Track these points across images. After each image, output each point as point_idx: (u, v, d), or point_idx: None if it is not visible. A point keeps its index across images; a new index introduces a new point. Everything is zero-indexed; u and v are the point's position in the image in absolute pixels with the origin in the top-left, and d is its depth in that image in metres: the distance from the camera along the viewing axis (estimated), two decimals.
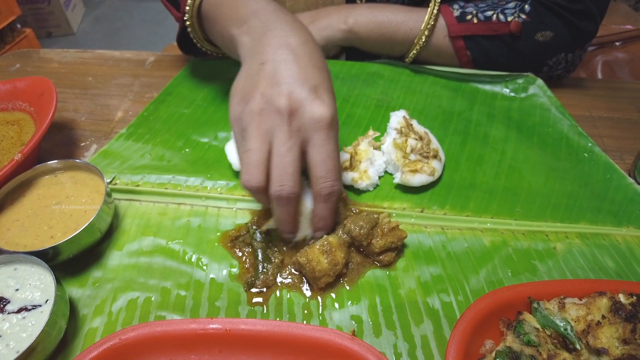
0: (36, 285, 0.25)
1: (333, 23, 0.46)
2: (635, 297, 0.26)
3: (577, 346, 0.24)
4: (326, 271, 0.26)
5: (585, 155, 0.38)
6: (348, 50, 0.50)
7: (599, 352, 0.24)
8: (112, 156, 0.36)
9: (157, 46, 2.24)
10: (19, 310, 0.24)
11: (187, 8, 0.37)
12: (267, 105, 0.26)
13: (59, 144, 0.39)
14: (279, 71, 0.27)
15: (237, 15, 0.32)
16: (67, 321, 0.25)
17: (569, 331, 0.25)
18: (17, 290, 0.25)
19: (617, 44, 0.78)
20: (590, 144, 0.39)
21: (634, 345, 0.24)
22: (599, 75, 0.75)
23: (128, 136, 0.38)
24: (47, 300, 0.25)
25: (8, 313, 0.24)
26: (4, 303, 0.24)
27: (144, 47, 2.06)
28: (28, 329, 0.23)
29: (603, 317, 0.25)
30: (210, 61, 0.48)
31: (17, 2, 1.97)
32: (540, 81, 0.45)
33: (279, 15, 0.31)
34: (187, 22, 0.38)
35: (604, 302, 0.26)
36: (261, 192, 0.26)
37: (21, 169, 0.31)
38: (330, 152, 0.26)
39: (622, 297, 0.26)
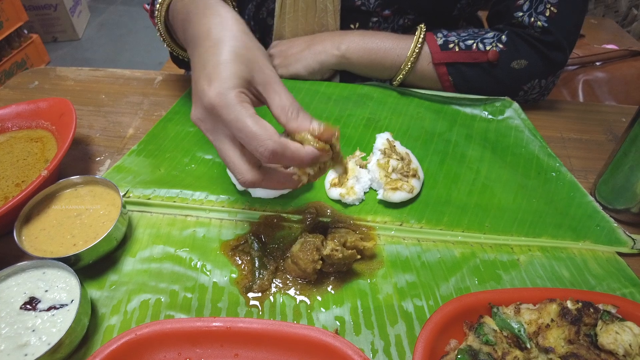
0: (63, 287, 0.29)
1: (327, 48, 0.51)
2: (580, 304, 0.30)
3: (528, 345, 0.28)
4: (308, 262, 0.31)
5: (553, 174, 0.42)
6: (341, 72, 0.54)
7: (546, 350, 0.28)
8: (125, 171, 0.40)
9: (160, 52, 2.29)
10: (49, 309, 0.28)
11: (156, 13, 0.41)
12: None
13: (76, 158, 0.43)
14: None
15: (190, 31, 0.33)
16: (89, 319, 0.29)
17: (522, 332, 0.29)
18: (46, 291, 0.29)
19: (597, 63, 0.82)
20: (557, 164, 0.43)
21: (577, 345, 0.28)
22: (580, 94, 0.79)
23: (139, 152, 0.42)
24: (73, 300, 0.29)
25: (40, 311, 0.28)
26: (36, 302, 0.28)
27: (147, 52, 2.11)
28: (57, 324, 0.27)
29: (552, 320, 0.29)
30: None
31: (25, 8, 2.02)
32: (516, 105, 0.49)
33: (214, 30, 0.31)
34: (157, 24, 0.42)
35: (553, 308, 0.30)
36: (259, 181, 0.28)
37: (47, 184, 0.35)
38: (236, 127, 0.27)
39: (569, 304, 0.30)
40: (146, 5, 0.53)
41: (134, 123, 0.48)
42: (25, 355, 0.26)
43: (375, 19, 0.51)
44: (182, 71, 0.71)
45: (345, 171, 0.32)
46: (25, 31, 2.02)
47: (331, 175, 0.40)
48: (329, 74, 0.53)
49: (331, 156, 0.29)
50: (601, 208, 0.40)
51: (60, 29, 2.28)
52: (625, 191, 0.38)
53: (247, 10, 0.59)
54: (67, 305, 0.28)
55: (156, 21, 0.42)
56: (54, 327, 0.27)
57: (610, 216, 0.39)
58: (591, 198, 0.40)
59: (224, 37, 0.29)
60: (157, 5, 0.40)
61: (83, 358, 0.28)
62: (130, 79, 0.55)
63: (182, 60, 0.50)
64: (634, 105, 0.60)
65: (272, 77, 0.29)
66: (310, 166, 0.29)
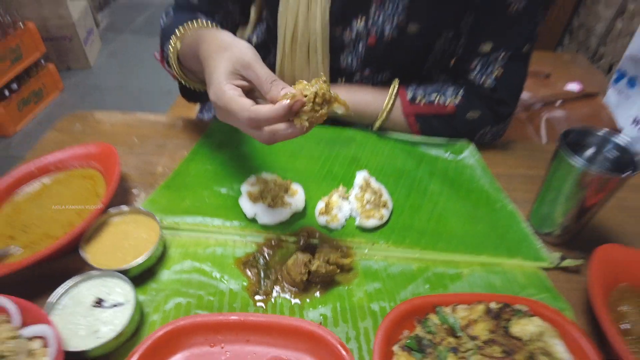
0: (120, 291, 0.40)
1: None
2: (501, 304, 0.40)
3: (459, 334, 0.39)
4: (297, 274, 0.41)
5: (498, 205, 0.53)
6: (331, 118, 0.65)
7: (473, 338, 0.38)
8: (157, 203, 0.51)
9: (167, 80, 2.43)
10: (112, 307, 0.39)
11: (174, 66, 0.53)
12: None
13: (118, 192, 0.54)
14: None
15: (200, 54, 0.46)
16: (139, 315, 0.40)
17: (456, 325, 0.39)
18: (108, 294, 0.40)
19: (558, 103, 0.94)
20: (503, 196, 0.54)
21: (496, 334, 0.38)
22: (543, 130, 0.91)
23: (167, 188, 0.53)
24: (128, 301, 0.39)
25: (105, 308, 0.39)
26: (102, 302, 0.39)
27: (155, 81, 2.24)
28: (118, 318, 0.38)
29: (479, 317, 0.40)
30: (224, 125, 0.64)
31: (42, 39, 2.16)
32: (472, 146, 0.60)
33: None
34: (172, 60, 0.53)
35: (481, 308, 0.40)
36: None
37: (101, 213, 0.46)
38: (227, 111, 0.38)
39: (493, 304, 0.40)
40: (156, 54, 0.65)
41: (161, 162, 0.59)
42: (98, 338, 0.36)
43: (358, 76, 0.63)
44: (194, 114, 0.83)
45: (346, 108, 0.41)
46: (42, 61, 2.15)
47: (320, 205, 0.50)
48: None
49: (327, 100, 0.38)
50: (533, 232, 0.50)
51: (73, 57, 2.42)
52: (548, 218, 0.49)
53: None
54: (124, 304, 0.39)
55: (170, 63, 0.54)
56: (117, 319, 0.38)
57: (540, 238, 0.50)
58: (526, 224, 0.51)
59: (220, 57, 0.41)
60: (171, 51, 0.52)
61: (137, 343, 0.38)
62: (155, 123, 0.66)
63: (191, 94, 0.61)
64: None
65: (251, 61, 0.40)
66: (297, 115, 0.38)
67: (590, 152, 0.47)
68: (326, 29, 0.57)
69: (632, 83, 0.93)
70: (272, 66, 0.66)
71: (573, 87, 1.07)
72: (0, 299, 0.36)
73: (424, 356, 0.36)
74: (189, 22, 0.52)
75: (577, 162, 0.42)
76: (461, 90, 0.59)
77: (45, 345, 0.34)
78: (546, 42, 1.64)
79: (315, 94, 0.37)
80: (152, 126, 0.66)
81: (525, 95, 0.96)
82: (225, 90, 0.39)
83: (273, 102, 0.38)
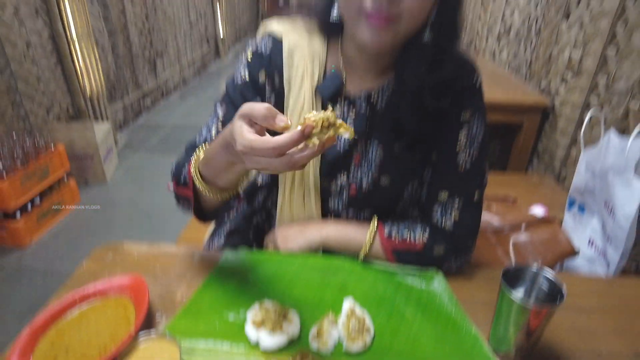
0: None
1: (314, 234, 0.75)
2: None
3: None
4: None
5: (463, 329, 0.63)
6: (324, 248, 0.78)
7: None
8: (176, 327, 0.61)
9: None
10: None
11: (195, 179, 0.64)
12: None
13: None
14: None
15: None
16: None
17: None
18: None
19: (523, 226, 1.08)
20: (466, 321, 0.64)
21: None
22: (511, 253, 1.03)
23: (185, 314, 0.64)
24: None
25: None
26: None
27: (166, 197, 2.43)
28: None
29: None
30: (234, 258, 0.76)
31: (68, 158, 2.39)
32: (440, 276, 0.72)
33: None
34: (198, 184, 0.64)
35: None
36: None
37: (131, 339, 0.56)
38: (257, 150, 0.48)
39: None
40: (169, 184, 0.78)
41: (180, 290, 0.70)
42: None
43: (344, 215, 0.78)
44: (205, 236, 0.96)
45: (351, 133, 0.49)
46: (65, 178, 2.36)
47: (313, 331, 0.60)
48: (315, 250, 0.77)
49: (334, 127, 0.47)
50: (492, 352, 0.60)
51: (92, 173, 2.64)
52: (504, 340, 0.58)
53: (256, 200, 0.86)
54: None
55: (193, 172, 0.64)
56: None
57: (498, 357, 0.59)
58: (486, 345, 0.61)
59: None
60: (194, 159, 0.65)
61: None
62: (176, 254, 0.79)
63: (204, 215, 0.73)
64: (547, 264, 0.83)
65: (253, 104, 0.49)
66: (309, 138, 0.47)
67: (527, 284, 0.59)
68: (317, 181, 0.73)
69: (582, 209, 1.07)
70: (274, 204, 0.81)
71: (537, 210, 1.22)
72: None
73: None
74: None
75: (516, 296, 0.54)
76: (427, 230, 0.72)
77: None
78: (517, 163, 1.85)
79: (322, 120, 0.47)
80: (174, 257, 0.78)
81: (495, 220, 1.10)
82: (246, 135, 0.49)
83: (282, 131, 0.48)
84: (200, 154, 0.65)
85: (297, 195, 0.76)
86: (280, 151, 0.47)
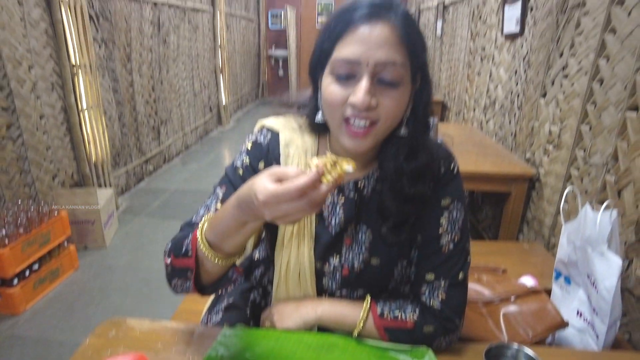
0: None
1: (309, 311, 0.79)
2: None
3: None
4: None
5: None
6: (319, 326, 0.81)
7: None
8: None
9: None
10: None
11: (201, 246, 0.66)
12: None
13: None
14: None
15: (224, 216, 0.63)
16: None
17: None
18: None
19: (512, 298, 1.11)
20: None
21: None
22: (502, 324, 1.06)
23: None
24: None
25: None
26: None
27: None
28: None
29: None
30: (232, 335, 0.79)
31: (70, 224, 2.43)
32: (431, 352, 0.75)
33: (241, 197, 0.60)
34: (204, 250, 0.66)
35: None
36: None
37: None
38: (281, 196, 0.53)
39: None
40: (167, 259, 0.72)
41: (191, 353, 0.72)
42: None
43: (338, 294, 0.82)
44: (203, 309, 0.98)
45: (353, 165, 0.57)
46: (66, 243, 2.39)
47: None
48: (310, 327, 0.81)
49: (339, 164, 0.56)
50: None
51: (92, 239, 2.67)
52: None
53: (253, 275, 0.90)
54: None
55: (198, 236, 0.66)
56: None
57: None
58: None
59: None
60: (202, 246, 0.66)
61: None
62: (177, 330, 0.82)
63: (203, 288, 0.74)
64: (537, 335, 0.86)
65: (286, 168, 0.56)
66: (323, 176, 0.54)
67: None
68: (312, 262, 0.78)
69: (568, 281, 1.11)
70: (271, 281, 0.85)
71: (526, 280, 1.26)
72: None
73: None
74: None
75: None
76: (417, 309, 0.76)
77: None
78: (508, 231, 1.90)
79: (327, 160, 0.56)
80: (174, 333, 0.81)
81: (485, 292, 1.14)
82: (269, 186, 0.53)
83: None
84: (205, 222, 0.68)
85: (292, 275, 0.80)
86: (303, 192, 0.52)
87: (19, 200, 2.24)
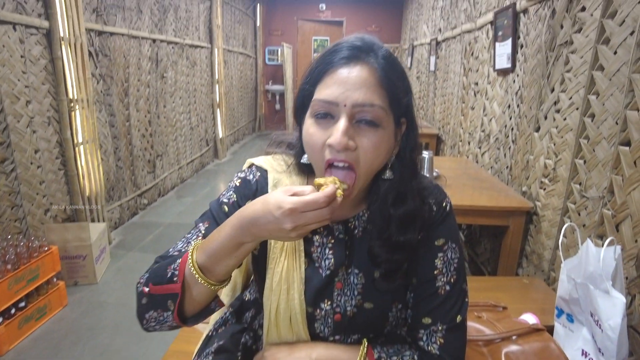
0: None
1: (302, 356, 0.75)
2: None
3: None
4: None
5: None
6: None
7: None
8: None
9: None
10: None
11: (192, 269, 0.64)
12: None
13: None
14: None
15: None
16: None
17: None
18: None
19: (514, 337, 1.07)
20: None
21: None
22: None
23: None
24: None
25: None
26: None
27: None
28: None
29: None
30: None
31: (60, 259, 2.37)
32: None
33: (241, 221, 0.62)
34: (195, 273, 0.64)
35: None
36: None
37: None
38: (309, 204, 0.57)
39: None
40: (145, 288, 0.67)
41: None
42: None
43: (331, 340, 0.78)
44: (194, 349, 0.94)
45: (341, 187, 0.62)
46: (55, 279, 2.33)
47: None
48: None
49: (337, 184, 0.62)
50: None
51: (83, 274, 2.61)
52: None
53: (244, 318, 0.87)
54: None
55: (190, 260, 0.65)
56: None
57: None
58: None
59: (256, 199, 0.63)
60: (193, 269, 0.64)
61: None
62: None
63: (186, 318, 0.70)
64: None
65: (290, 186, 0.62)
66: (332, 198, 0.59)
67: None
68: (303, 307, 0.74)
69: (570, 319, 1.08)
70: (261, 325, 0.81)
71: (528, 317, 1.22)
72: None
73: None
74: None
75: None
76: (416, 355, 0.73)
77: None
78: (507, 265, 1.87)
79: (329, 180, 0.62)
80: None
81: (486, 330, 1.10)
82: (290, 197, 0.58)
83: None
84: (195, 247, 0.67)
85: (283, 319, 0.76)
86: (331, 199, 0.58)
87: (9, 236, 2.19)
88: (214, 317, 1.01)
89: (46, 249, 2.25)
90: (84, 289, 2.55)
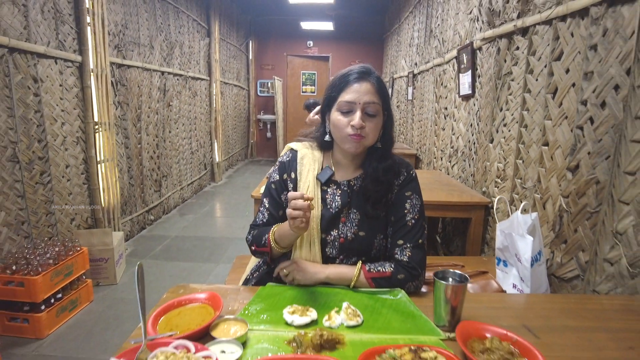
0: (233, 347, 0.83)
1: (319, 272, 1.14)
2: (416, 347, 0.84)
3: None
4: (316, 340, 0.86)
5: (417, 316, 1.01)
6: (326, 283, 1.16)
7: None
8: (243, 316, 0.97)
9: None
10: (231, 353, 0.81)
11: (272, 243, 1.11)
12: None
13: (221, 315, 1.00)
14: None
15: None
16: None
17: (396, 356, 0.82)
18: (223, 351, 0.83)
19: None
20: (420, 313, 1.02)
21: (415, 358, 0.82)
22: None
23: (245, 314, 1.00)
24: (238, 351, 0.82)
25: (228, 353, 0.81)
26: (225, 352, 0.82)
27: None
28: (234, 357, 0.80)
29: (408, 351, 0.83)
30: (267, 289, 1.14)
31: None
32: (403, 292, 1.11)
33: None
34: (273, 245, 1.12)
35: (407, 349, 0.84)
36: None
37: (213, 321, 0.92)
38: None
39: (413, 347, 0.84)
40: (252, 247, 1.21)
41: (236, 306, 1.06)
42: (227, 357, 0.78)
43: (337, 261, 1.18)
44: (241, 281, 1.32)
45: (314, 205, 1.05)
46: (84, 277, 2.65)
47: (325, 317, 0.97)
48: (320, 283, 1.16)
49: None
50: (436, 326, 0.97)
51: (104, 275, 2.92)
52: (440, 318, 0.96)
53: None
54: (234, 352, 0.82)
55: (270, 240, 1.13)
56: (236, 355, 0.80)
57: (439, 328, 0.96)
58: (432, 322, 0.98)
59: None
60: (273, 243, 1.12)
61: None
62: (227, 289, 1.16)
63: (273, 260, 1.18)
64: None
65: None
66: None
67: (450, 279, 0.99)
68: (318, 234, 1.16)
69: (505, 264, 1.50)
70: (291, 252, 1.21)
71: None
72: (186, 342, 0.80)
73: None
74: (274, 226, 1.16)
75: (441, 281, 0.94)
76: (393, 264, 1.14)
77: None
78: (472, 251, 2.29)
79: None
80: (226, 291, 1.15)
81: None
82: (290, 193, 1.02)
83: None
84: (273, 233, 1.16)
85: (305, 245, 1.18)
86: (307, 203, 1.01)
87: (45, 238, 2.53)
88: (250, 266, 1.41)
89: (78, 249, 2.59)
90: (106, 289, 2.86)
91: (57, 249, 2.45)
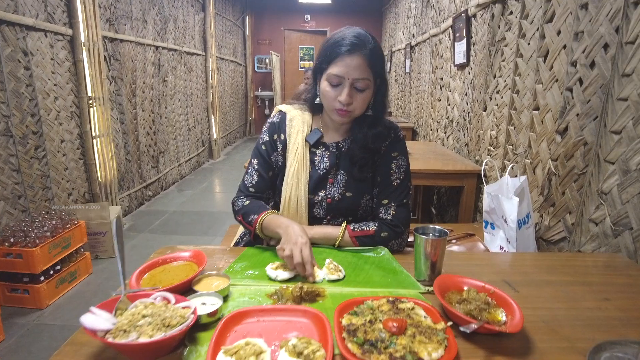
0: (214, 299, 0.85)
1: (304, 230, 1.16)
2: (394, 299, 0.86)
3: (374, 311, 0.84)
4: (296, 292, 0.88)
5: (398, 272, 1.02)
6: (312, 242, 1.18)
7: (381, 311, 0.83)
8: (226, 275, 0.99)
9: None
10: (211, 305, 0.83)
11: (257, 229, 1.08)
12: (289, 246, 0.94)
13: (204, 270, 1.02)
14: (290, 240, 0.96)
15: (277, 226, 1.03)
16: (221, 309, 0.84)
17: (373, 306, 0.84)
18: (203, 303, 0.85)
19: (454, 241, 1.49)
20: (401, 268, 1.04)
21: (392, 310, 0.83)
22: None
23: (230, 271, 1.02)
24: (218, 303, 0.84)
25: (208, 305, 0.83)
26: (206, 304, 0.84)
27: None
28: (214, 308, 0.82)
29: (384, 303, 0.85)
30: (252, 251, 1.15)
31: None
32: (386, 249, 1.12)
33: (290, 224, 1.02)
34: (258, 231, 1.09)
35: (385, 300, 0.86)
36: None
37: (197, 275, 0.94)
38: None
39: (391, 299, 0.86)
40: (238, 217, 1.20)
41: (221, 264, 1.08)
42: (205, 311, 0.80)
43: (324, 221, 1.20)
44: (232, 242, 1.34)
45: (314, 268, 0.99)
46: (82, 249, 2.69)
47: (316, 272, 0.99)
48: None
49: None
50: (416, 280, 0.99)
51: (103, 249, 2.96)
52: (421, 272, 0.98)
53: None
54: (215, 304, 0.84)
55: (257, 225, 1.11)
56: (215, 307, 0.82)
57: (420, 282, 0.98)
58: (412, 277, 1.00)
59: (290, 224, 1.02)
60: (259, 219, 1.10)
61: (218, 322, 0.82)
62: (214, 249, 1.18)
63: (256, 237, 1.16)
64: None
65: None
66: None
67: (430, 234, 1.01)
68: (306, 195, 1.17)
69: (492, 226, 1.51)
70: (277, 209, 1.22)
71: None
72: (166, 294, 0.82)
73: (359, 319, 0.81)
74: (265, 212, 1.13)
75: (422, 236, 0.96)
76: (377, 223, 1.15)
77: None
78: (465, 219, 2.31)
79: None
80: (214, 250, 1.17)
81: None
82: (302, 239, 1.00)
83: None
84: (262, 219, 1.12)
85: (291, 206, 1.19)
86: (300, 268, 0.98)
87: (44, 212, 2.55)
88: (240, 230, 1.42)
89: (76, 222, 2.61)
90: (104, 262, 2.90)
91: (54, 222, 2.48)
